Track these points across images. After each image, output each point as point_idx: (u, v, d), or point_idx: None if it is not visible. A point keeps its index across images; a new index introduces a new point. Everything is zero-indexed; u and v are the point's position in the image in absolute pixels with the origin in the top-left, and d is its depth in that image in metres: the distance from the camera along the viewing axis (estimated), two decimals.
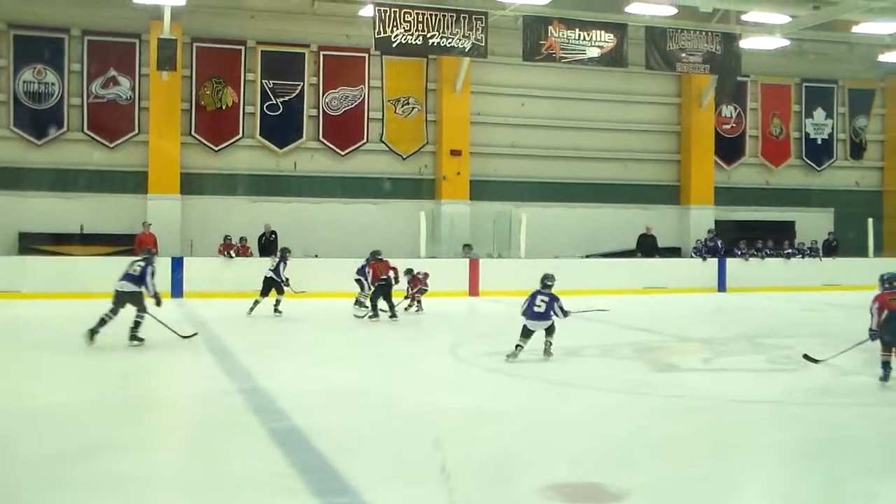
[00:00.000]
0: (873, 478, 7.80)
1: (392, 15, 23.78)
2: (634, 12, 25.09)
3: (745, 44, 27.46)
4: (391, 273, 18.75)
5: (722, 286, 27.57)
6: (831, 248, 30.48)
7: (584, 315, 14.53)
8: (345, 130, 27.31)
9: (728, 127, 31.61)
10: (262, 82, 26.53)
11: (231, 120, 26.38)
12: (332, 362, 13.60)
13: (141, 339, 14.47)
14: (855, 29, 26.86)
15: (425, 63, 27.73)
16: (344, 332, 17.54)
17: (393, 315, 18.42)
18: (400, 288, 19.88)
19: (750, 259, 28.28)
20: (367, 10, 24.25)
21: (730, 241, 28.93)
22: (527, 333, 13.36)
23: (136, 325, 14.50)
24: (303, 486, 7.17)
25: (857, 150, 33.53)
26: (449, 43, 24.49)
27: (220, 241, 24.12)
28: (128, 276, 14.60)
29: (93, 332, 14.11)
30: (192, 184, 25.84)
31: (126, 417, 9.58)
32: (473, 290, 24.60)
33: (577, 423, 9.55)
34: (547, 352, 13.55)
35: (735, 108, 31.65)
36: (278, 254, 19.59)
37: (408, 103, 27.84)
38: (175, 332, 15.00)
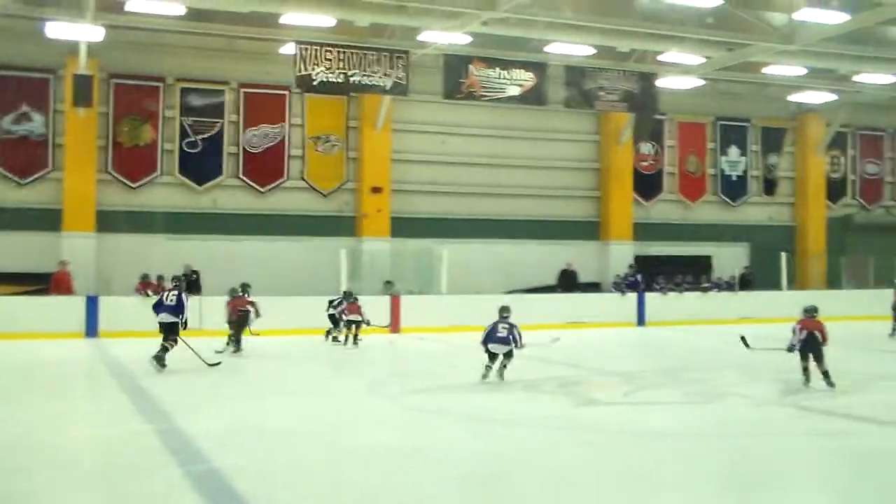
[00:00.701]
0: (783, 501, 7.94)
1: (313, 53, 23.77)
2: (553, 52, 25.45)
3: (662, 83, 28.06)
4: (249, 307, 19.35)
5: (641, 320, 27.90)
6: (746, 282, 31.07)
7: (538, 345, 15.62)
8: (265, 168, 27.18)
9: (646, 164, 32.13)
10: (181, 119, 26.30)
11: (149, 157, 26.08)
12: (251, 401, 13.41)
13: (164, 365, 15.61)
14: (765, 70, 27.70)
15: (346, 101, 27.75)
16: (262, 371, 17.39)
17: (236, 349, 18.78)
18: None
19: (668, 293, 28.71)
20: (289, 48, 24.25)
21: (649, 275, 29.34)
22: (492, 357, 14.81)
23: (165, 349, 15.76)
24: None
25: (770, 186, 34.36)
26: (370, 81, 24.54)
27: (137, 280, 23.78)
28: (166, 308, 15.92)
29: (159, 359, 15.65)
30: (108, 221, 25.35)
31: (38, 463, 9.29)
32: (395, 326, 24.50)
33: (499, 460, 9.53)
34: (501, 374, 14.83)
35: (653, 146, 32.22)
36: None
37: (329, 141, 27.81)
38: (201, 359, 15.92)
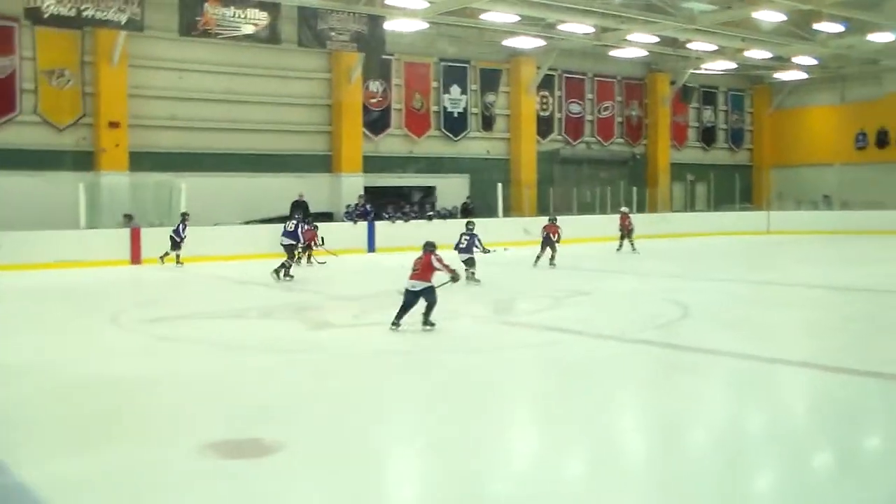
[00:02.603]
0: (497, 408, 8.55)
1: None
2: None
3: (390, 25, 28.20)
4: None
5: (372, 247, 28.33)
6: (468, 211, 32.07)
7: (482, 256, 18.20)
8: None
9: (375, 101, 32.32)
10: None
11: None
12: None
13: (291, 276, 19.42)
14: (483, 16, 28.37)
15: (81, 35, 26.17)
16: (7, 307, 16.43)
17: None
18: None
19: (396, 221, 29.21)
20: None
21: (378, 205, 29.73)
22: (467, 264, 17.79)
23: (286, 266, 19.42)
24: None
25: (488, 122, 35.43)
26: (104, 16, 23.35)
27: None
28: (286, 233, 20.06)
29: (277, 272, 19.30)
30: None
31: None
32: (135, 258, 23.79)
33: (236, 383, 9.65)
34: (472, 279, 17.67)
35: (381, 84, 32.42)
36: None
37: (63, 75, 26.19)
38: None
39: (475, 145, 35.19)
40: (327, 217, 29.74)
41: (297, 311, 15.29)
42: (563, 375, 10.02)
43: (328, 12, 26.74)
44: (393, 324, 12.23)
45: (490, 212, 31.45)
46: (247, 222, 27.29)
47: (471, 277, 17.70)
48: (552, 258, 22.14)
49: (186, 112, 28.28)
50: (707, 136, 43.39)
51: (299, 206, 28.42)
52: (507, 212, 32.34)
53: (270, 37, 25.86)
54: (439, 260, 12.40)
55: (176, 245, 23.14)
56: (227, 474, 6.52)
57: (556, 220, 23.26)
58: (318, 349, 11.64)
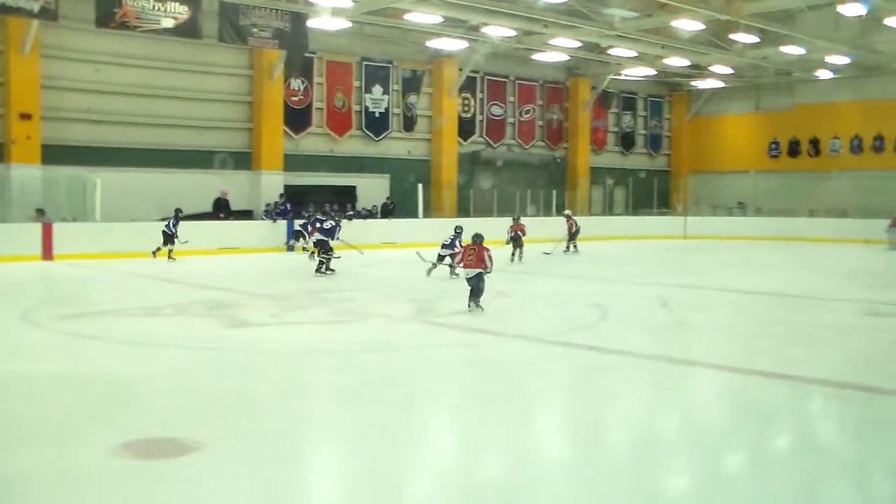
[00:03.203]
0: (418, 410, 8.52)
1: None
2: None
3: (312, 23, 27.99)
4: None
5: (291, 246, 28.00)
6: (388, 211, 32.06)
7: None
8: None
9: (296, 99, 32.07)
10: None
11: None
12: None
13: (333, 270, 20.24)
14: (407, 17, 28.35)
15: None
16: None
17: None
18: None
19: None
20: None
21: (298, 204, 29.47)
22: (440, 259, 19.47)
23: (328, 261, 20.22)
24: None
25: (410, 123, 35.41)
26: (15, 3, 22.65)
27: None
28: (322, 231, 20.58)
29: (319, 269, 20.10)
30: None
31: None
32: (47, 254, 23.20)
33: (152, 382, 9.44)
34: (453, 272, 19.00)
35: (303, 82, 32.17)
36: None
37: None
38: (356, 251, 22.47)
39: (396, 146, 35.13)
40: (246, 215, 29.44)
41: (212, 308, 15.06)
42: (485, 376, 10.02)
43: (250, 8, 26.41)
44: (468, 306, 14.19)
45: (411, 212, 31.43)
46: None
47: (451, 271, 19.14)
48: (520, 255, 23.97)
49: (103, 105, 27.63)
50: (626, 141, 44.02)
51: (219, 203, 28.13)
52: (428, 212, 32.36)
53: (191, 31, 25.41)
54: (489, 255, 14.12)
55: (168, 240, 23.45)
56: (142, 474, 6.36)
57: (519, 218, 25.31)
58: (236, 348, 11.45)
